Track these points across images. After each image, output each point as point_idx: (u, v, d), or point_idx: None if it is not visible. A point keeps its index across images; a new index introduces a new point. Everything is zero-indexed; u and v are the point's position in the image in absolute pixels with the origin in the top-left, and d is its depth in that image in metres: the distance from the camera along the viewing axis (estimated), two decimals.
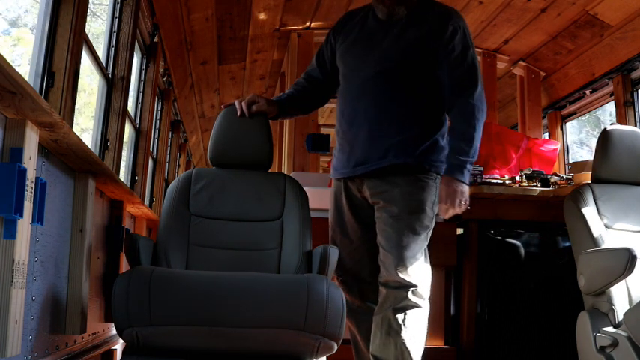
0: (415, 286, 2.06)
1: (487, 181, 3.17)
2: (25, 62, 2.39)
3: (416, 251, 2.09)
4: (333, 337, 1.83)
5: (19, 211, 1.43)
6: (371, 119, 2.17)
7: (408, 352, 2.03)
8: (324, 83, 2.42)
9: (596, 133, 5.49)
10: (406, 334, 2.04)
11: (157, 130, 4.83)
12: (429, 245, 2.18)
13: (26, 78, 1.54)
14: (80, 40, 2.24)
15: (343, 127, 2.26)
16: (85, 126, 3.28)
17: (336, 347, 1.89)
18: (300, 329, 1.78)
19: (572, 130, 5.04)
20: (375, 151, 2.15)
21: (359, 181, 2.22)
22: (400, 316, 2.05)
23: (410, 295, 2.05)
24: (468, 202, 2.12)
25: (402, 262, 2.06)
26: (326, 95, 2.48)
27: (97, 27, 3.17)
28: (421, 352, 2.09)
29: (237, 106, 2.38)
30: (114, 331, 2.72)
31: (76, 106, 2.33)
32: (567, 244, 3.06)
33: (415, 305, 2.07)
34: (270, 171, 2.45)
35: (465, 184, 2.12)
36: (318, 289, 1.81)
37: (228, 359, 1.85)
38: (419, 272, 2.08)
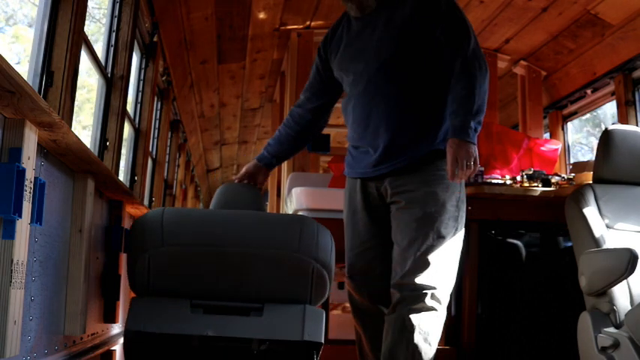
0: (434, 288, 2.01)
1: (488, 181, 3.15)
2: (24, 60, 2.38)
3: (438, 254, 2.04)
4: (324, 264, 2.07)
5: (18, 211, 1.42)
6: (385, 118, 2.10)
7: (419, 354, 1.99)
8: (321, 104, 2.36)
9: None
10: (419, 337, 1.99)
11: (157, 130, 4.83)
12: None
13: (25, 76, 1.53)
14: (79, 39, 2.24)
15: (357, 131, 2.19)
16: (86, 123, 3.28)
17: (328, 281, 2.09)
18: (295, 251, 2.06)
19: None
20: (396, 150, 2.10)
21: (378, 180, 2.16)
22: (415, 318, 2.00)
23: (427, 298, 2.01)
24: (478, 162, 2.00)
25: (421, 267, 2.02)
26: (323, 117, 2.41)
27: (92, 24, 3.17)
28: (432, 357, 2.03)
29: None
30: (113, 332, 2.71)
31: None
32: (568, 244, 3.05)
33: (431, 308, 2.01)
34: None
35: (472, 143, 1.99)
36: (309, 223, 2.13)
37: (233, 292, 2.08)
38: (439, 276, 2.03)
